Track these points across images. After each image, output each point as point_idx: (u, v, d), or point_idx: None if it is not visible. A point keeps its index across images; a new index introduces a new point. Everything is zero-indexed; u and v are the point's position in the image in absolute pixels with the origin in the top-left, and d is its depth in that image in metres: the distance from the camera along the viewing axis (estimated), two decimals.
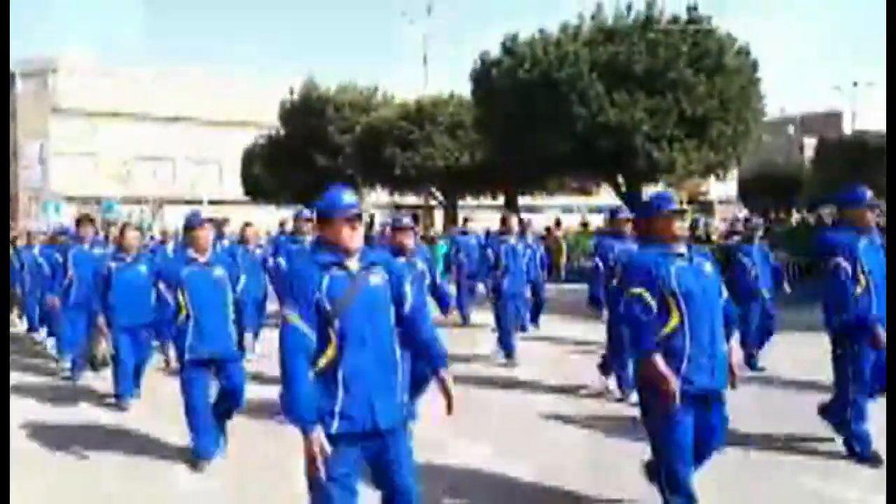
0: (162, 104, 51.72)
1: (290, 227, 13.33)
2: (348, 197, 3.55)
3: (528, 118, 21.54)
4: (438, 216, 36.21)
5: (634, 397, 6.81)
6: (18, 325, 13.33)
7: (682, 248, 4.29)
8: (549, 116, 20.98)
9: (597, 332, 11.23)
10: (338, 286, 3.42)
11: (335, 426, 3.37)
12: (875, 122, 43.81)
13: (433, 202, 34.89)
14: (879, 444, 5.57)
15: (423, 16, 38.92)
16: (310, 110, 35.26)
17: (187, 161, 52.79)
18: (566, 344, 11.18)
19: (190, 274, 5.80)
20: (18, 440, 6.46)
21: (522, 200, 32.39)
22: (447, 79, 65.43)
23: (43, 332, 11.79)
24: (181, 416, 5.91)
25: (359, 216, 3.53)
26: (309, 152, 34.13)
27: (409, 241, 6.70)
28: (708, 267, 4.33)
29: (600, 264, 7.77)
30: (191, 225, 5.96)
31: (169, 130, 53.03)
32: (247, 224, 11.28)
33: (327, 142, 33.73)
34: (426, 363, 3.70)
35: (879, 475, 5.24)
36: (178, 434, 6.26)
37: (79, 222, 9.49)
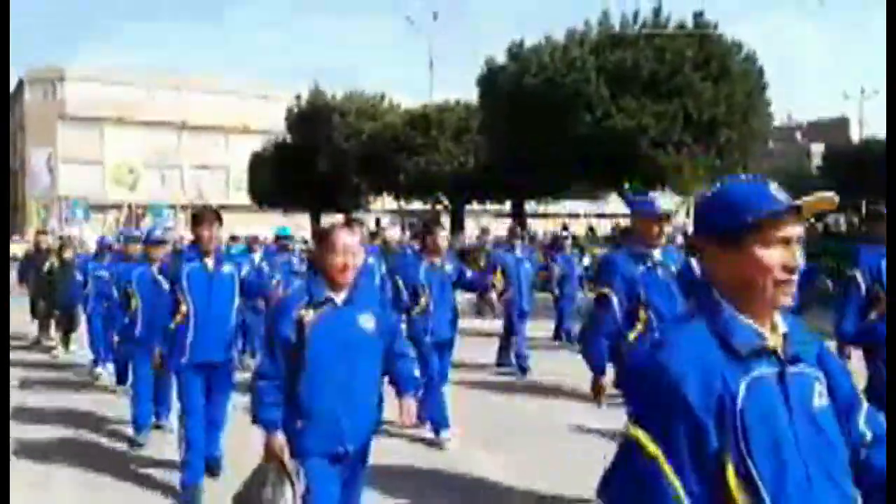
0: (169, 111, 51.98)
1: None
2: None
3: (535, 124, 21.57)
4: (444, 222, 36.31)
5: None
6: (59, 349, 11.36)
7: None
8: (556, 122, 21.00)
9: None
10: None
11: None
12: (882, 128, 43.71)
13: (439, 208, 35.01)
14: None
15: (429, 22, 38.94)
16: (316, 117, 35.38)
17: (194, 167, 53.01)
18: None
19: None
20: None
21: (529, 206, 32.38)
22: (453, 85, 65.51)
23: (107, 370, 9.15)
24: None
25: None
26: (315, 159, 34.23)
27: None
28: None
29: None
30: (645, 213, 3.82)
31: (176, 137, 53.29)
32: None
33: (334, 149, 33.82)
34: None
35: None
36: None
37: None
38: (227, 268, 5.31)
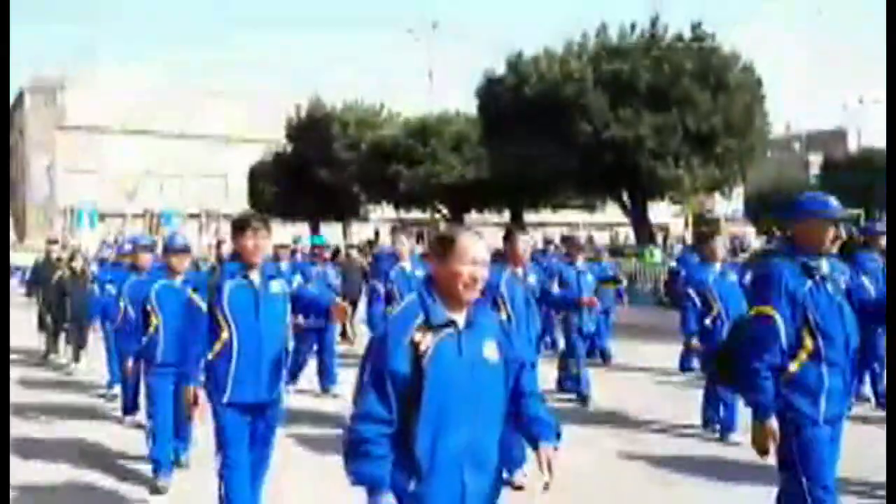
0: (168, 120, 52.08)
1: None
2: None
3: (533, 134, 21.63)
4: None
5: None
6: (72, 365, 10.93)
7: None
8: (554, 133, 21.06)
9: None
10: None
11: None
12: (880, 139, 43.85)
13: (438, 218, 35.22)
14: (879, 451, 5.55)
15: (428, 33, 39.07)
16: (316, 127, 35.49)
17: (194, 177, 53.07)
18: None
19: None
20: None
21: (527, 217, 32.47)
22: (452, 95, 65.64)
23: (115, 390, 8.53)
24: None
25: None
26: (315, 169, 34.33)
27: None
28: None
29: None
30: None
31: (175, 146, 53.37)
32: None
33: (333, 158, 33.91)
34: None
35: (878, 483, 5.22)
36: None
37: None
38: (276, 285, 4.41)
